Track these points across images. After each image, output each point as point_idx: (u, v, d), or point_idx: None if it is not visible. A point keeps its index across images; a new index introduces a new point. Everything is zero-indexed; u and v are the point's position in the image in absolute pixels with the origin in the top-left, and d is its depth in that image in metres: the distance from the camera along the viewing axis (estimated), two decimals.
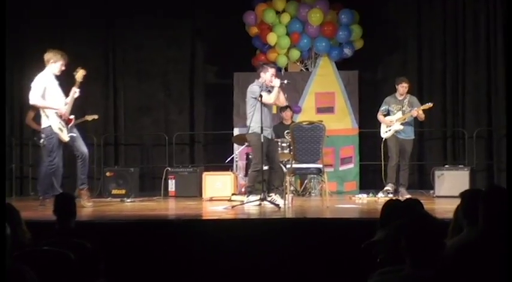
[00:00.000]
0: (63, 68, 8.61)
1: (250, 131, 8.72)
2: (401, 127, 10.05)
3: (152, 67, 12.59)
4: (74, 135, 8.59)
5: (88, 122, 10.68)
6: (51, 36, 12.24)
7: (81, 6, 12.30)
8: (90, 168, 11.93)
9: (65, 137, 8.52)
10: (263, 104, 8.61)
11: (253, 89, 8.79)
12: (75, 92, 8.57)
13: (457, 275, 3.21)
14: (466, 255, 3.55)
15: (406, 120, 10.03)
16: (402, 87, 10.10)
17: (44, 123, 8.54)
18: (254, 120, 8.58)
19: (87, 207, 8.42)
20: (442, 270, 3.04)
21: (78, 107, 11.91)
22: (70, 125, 8.58)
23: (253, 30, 11.50)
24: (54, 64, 8.52)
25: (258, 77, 8.92)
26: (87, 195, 8.60)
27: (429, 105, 10.01)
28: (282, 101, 9.08)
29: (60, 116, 8.51)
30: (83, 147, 8.67)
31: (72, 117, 8.65)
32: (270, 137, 8.81)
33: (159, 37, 12.51)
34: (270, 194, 8.63)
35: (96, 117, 10.77)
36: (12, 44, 12.17)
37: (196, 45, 12.63)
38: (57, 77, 8.68)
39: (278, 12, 11.29)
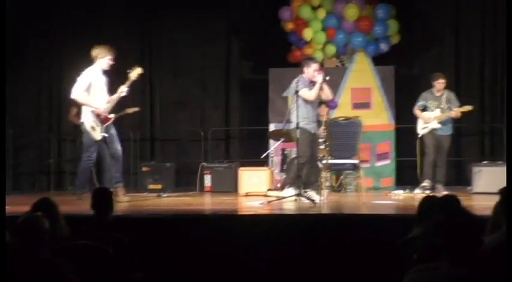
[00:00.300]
0: (111, 62, 8.63)
1: (294, 126, 8.69)
2: (439, 126, 9.95)
3: (188, 62, 12.63)
4: (106, 135, 8.55)
5: (129, 114, 10.75)
6: (87, 32, 12.35)
7: (118, 2, 12.39)
8: (127, 164, 12.09)
9: (97, 136, 8.53)
10: (306, 100, 8.59)
11: (292, 85, 8.78)
12: (122, 91, 8.58)
13: (495, 272, 3.17)
14: (504, 252, 3.51)
15: (444, 119, 9.93)
16: (439, 84, 10.00)
17: (82, 118, 8.62)
18: (299, 115, 8.57)
19: (123, 201, 8.47)
20: (480, 267, 3.01)
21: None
22: (107, 124, 8.58)
23: (289, 26, 11.48)
24: (102, 59, 8.55)
25: (302, 72, 8.90)
26: (122, 191, 8.64)
27: (469, 108, 9.86)
28: (328, 94, 8.99)
29: (97, 115, 8.53)
30: (116, 145, 8.65)
31: (111, 116, 8.65)
32: (313, 132, 8.78)
33: (195, 32, 12.54)
34: (306, 190, 8.62)
35: (137, 109, 10.84)
36: (49, 41, 12.35)
37: (231, 40, 12.65)
38: (106, 73, 8.69)
39: (314, 8, 11.25)
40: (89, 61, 8.76)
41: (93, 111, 8.53)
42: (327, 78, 8.80)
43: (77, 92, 8.50)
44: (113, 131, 8.71)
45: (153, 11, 12.54)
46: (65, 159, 12.31)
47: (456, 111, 9.84)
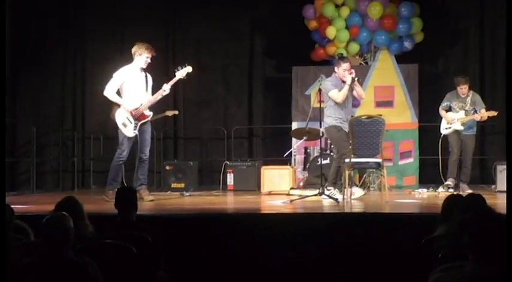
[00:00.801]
0: (149, 60, 8.62)
1: (326, 125, 8.73)
2: (462, 128, 9.89)
3: (211, 61, 12.66)
4: (137, 133, 8.51)
5: (168, 117, 10.84)
6: (111, 29, 12.45)
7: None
8: (150, 162, 12.14)
9: (129, 133, 8.50)
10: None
11: (326, 84, 8.80)
12: (164, 90, 8.58)
13: None
14: None
15: (466, 121, 9.86)
16: (461, 89, 9.92)
17: (115, 115, 8.62)
18: (331, 114, 8.56)
19: (148, 201, 8.49)
20: (505, 266, 2.99)
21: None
22: (142, 122, 8.54)
23: (312, 24, 11.46)
24: (139, 57, 8.53)
25: (334, 70, 8.91)
26: (146, 193, 8.65)
27: (493, 113, 9.77)
28: (360, 94, 8.99)
29: (130, 113, 8.51)
30: (145, 149, 8.63)
31: (148, 113, 8.62)
32: (346, 131, 8.77)
33: (219, 30, 12.57)
34: (329, 188, 8.63)
35: (176, 112, 10.90)
36: (73, 38, 12.44)
37: (255, 38, 12.66)
38: (150, 70, 8.72)
39: (337, 6, 11.22)
40: (114, 58, 8.81)
41: (124, 108, 8.53)
42: (356, 78, 8.77)
43: (107, 89, 8.52)
44: (148, 131, 8.70)
45: (176, 8, 12.59)
46: (89, 158, 12.39)
47: (481, 115, 9.76)
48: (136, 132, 8.51)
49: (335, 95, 8.70)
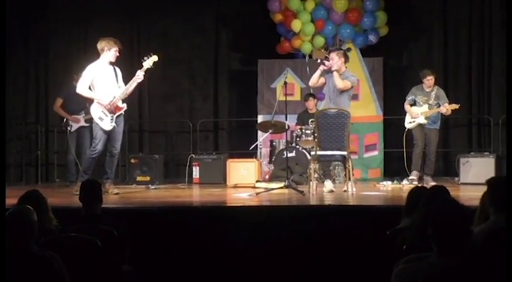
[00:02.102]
0: (118, 54, 8.63)
1: None
2: (426, 121, 9.99)
3: (177, 54, 12.60)
4: (116, 126, 8.54)
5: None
6: (75, 22, 12.31)
7: None
8: None
9: (106, 126, 8.50)
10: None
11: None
12: (138, 76, 8.58)
13: (484, 262, 3.19)
14: (493, 243, 3.53)
15: (431, 115, 9.95)
16: (428, 81, 10.01)
17: (90, 110, 8.63)
18: None
19: (113, 194, 8.47)
20: (468, 257, 3.03)
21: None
22: (117, 114, 8.56)
23: (278, 17, 11.46)
24: (108, 51, 8.52)
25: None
26: (112, 186, 8.64)
27: (455, 106, 9.89)
28: (336, 83, 8.76)
29: (105, 107, 8.49)
30: (116, 144, 8.68)
31: (122, 105, 8.62)
32: None
33: (184, 24, 12.52)
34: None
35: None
36: (37, 32, 12.28)
37: (220, 32, 12.62)
38: (114, 64, 8.68)
39: None
40: (78, 52, 8.76)
41: (98, 102, 8.53)
42: (318, 60, 8.80)
43: (80, 87, 8.55)
44: (121, 124, 8.72)
45: (141, 2, 12.49)
46: (53, 151, 12.26)
47: (445, 108, 9.87)
48: (114, 124, 8.52)
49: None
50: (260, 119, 11.24)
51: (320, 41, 11.34)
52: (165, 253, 6.29)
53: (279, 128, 9.76)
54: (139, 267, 5.07)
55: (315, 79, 8.82)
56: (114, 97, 8.53)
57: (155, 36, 12.62)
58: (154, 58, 8.69)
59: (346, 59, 8.88)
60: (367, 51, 11.47)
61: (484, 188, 4.20)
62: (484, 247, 3.51)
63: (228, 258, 6.27)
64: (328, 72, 8.75)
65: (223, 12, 12.57)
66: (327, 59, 8.85)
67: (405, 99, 10.19)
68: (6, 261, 3.20)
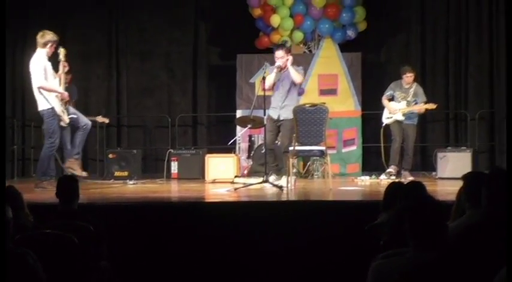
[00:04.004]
0: (54, 50, 8.53)
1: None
2: (403, 118, 10.03)
3: (155, 48, 12.56)
4: (74, 116, 8.59)
5: (97, 122, 10.80)
6: (52, 17, 12.20)
7: None
8: (93, 150, 12.01)
9: (67, 119, 8.52)
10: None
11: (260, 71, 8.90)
12: (64, 65, 8.54)
13: (460, 257, 3.20)
14: (469, 238, 3.55)
15: (407, 112, 10.00)
16: (407, 77, 10.05)
17: (43, 105, 8.42)
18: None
19: (82, 176, 8.44)
20: (445, 252, 3.04)
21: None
22: (67, 106, 8.62)
23: (257, 12, 11.45)
24: (51, 46, 8.41)
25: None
26: (80, 165, 8.61)
27: (432, 106, 9.94)
28: (295, 78, 8.80)
29: (62, 99, 8.49)
30: (84, 119, 8.74)
31: (66, 93, 8.60)
32: (275, 117, 8.80)
33: (163, 18, 12.48)
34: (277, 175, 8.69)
35: (107, 121, 10.84)
36: (14, 24, 12.16)
37: (199, 26, 12.59)
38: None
39: None
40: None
41: (57, 96, 8.46)
42: (276, 64, 8.78)
43: (40, 80, 8.36)
44: (74, 111, 8.77)
45: None
46: (30, 146, 12.17)
47: (420, 107, 9.93)
48: (72, 115, 8.59)
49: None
50: (239, 114, 11.22)
51: (299, 36, 11.35)
52: (142, 249, 6.26)
53: (257, 123, 9.72)
54: (116, 263, 5.04)
55: (273, 80, 8.76)
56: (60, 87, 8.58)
57: (133, 30, 12.57)
58: (64, 51, 8.58)
59: (275, 52, 8.94)
60: (345, 47, 11.49)
61: (461, 183, 4.23)
62: (460, 242, 3.53)
63: (205, 254, 6.25)
64: (281, 70, 8.77)
65: (202, 6, 12.54)
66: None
67: (383, 94, 10.23)
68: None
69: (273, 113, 8.81)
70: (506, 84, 10.45)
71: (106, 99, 12.53)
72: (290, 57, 8.81)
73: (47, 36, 8.41)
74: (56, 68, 8.59)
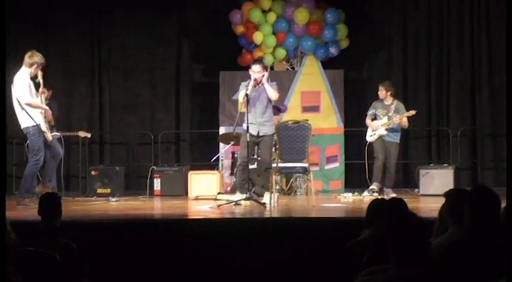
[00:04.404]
0: (37, 72, 8.63)
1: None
2: (385, 133, 10.10)
3: (138, 65, 12.55)
4: (58, 134, 8.82)
5: (80, 137, 10.79)
6: (35, 34, 12.18)
7: (67, 3, 12.23)
8: (75, 167, 11.94)
9: (50, 136, 8.61)
10: (248, 101, 8.64)
11: (241, 87, 8.85)
12: (43, 91, 8.70)
13: (443, 274, 3.22)
14: (451, 255, 3.56)
15: (390, 126, 10.07)
16: (380, 92, 10.18)
17: (28, 122, 8.46)
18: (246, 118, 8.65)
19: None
20: (427, 269, 3.05)
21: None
22: (52, 125, 8.77)
23: (239, 29, 11.49)
24: (36, 67, 8.51)
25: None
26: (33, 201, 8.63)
27: (412, 112, 10.03)
28: (270, 95, 8.80)
29: (45, 116, 8.56)
30: (58, 147, 8.84)
31: (50, 111, 8.74)
32: (254, 133, 8.77)
33: (145, 35, 12.49)
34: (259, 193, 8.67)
35: (89, 135, 10.82)
36: None
37: (182, 43, 12.60)
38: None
39: (264, 11, 11.29)
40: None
41: (41, 112, 8.53)
42: (252, 78, 8.79)
43: (27, 97, 8.42)
44: (54, 131, 8.91)
45: (102, 12, 12.42)
46: (11, 163, 12.09)
47: (400, 117, 10.00)
48: (56, 133, 8.85)
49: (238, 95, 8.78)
50: (222, 130, 11.23)
51: (281, 53, 11.39)
52: (124, 266, 6.23)
53: (240, 139, 9.75)
54: (98, 280, 5.01)
55: (244, 95, 8.64)
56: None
57: (116, 47, 12.56)
58: (40, 73, 8.67)
59: (252, 66, 8.95)
60: (328, 64, 11.55)
61: (443, 200, 4.25)
62: (443, 258, 3.54)
63: (188, 271, 6.23)
64: (256, 85, 8.78)
65: (185, 23, 12.55)
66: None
67: (366, 114, 10.31)
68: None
69: (252, 129, 8.76)
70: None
71: (88, 115, 12.48)
72: (266, 74, 8.80)
73: (35, 58, 8.51)
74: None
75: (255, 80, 8.69)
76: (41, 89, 8.62)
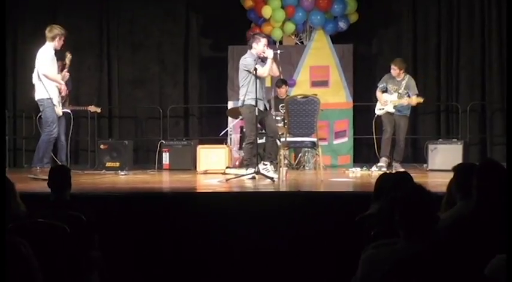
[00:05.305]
0: (63, 43, 8.85)
1: (243, 104, 8.64)
2: (394, 110, 10.08)
3: (146, 39, 12.54)
4: (69, 111, 9.13)
5: (89, 112, 10.83)
6: (42, 9, 12.17)
7: None
8: (84, 141, 11.99)
9: (60, 111, 8.81)
10: (256, 77, 8.55)
11: (247, 61, 8.69)
12: (65, 76, 9.10)
13: (451, 248, 3.23)
14: (459, 229, 3.57)
15: (398, 104, 10.04)
16: (392, 70, 10.11)
17: (43, 94, 8.67)
18: (247, 93, 8.53)
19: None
20: (435, 243, 3.06)
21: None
22: (64, 101, 9.03)
23: (248, 3, 11.43)
24: (59, 40, 8.73)
25: (250, 48, 8.86)
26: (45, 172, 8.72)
27: (420, 100, 9.99)
28: (276, 71, 8.90)
29: (60, 91, 8.78)
30: (61, 133, 9.14)
31: (65, 88, 9.04)
32: (262, 109, 8.75)
33: (154, 9, 12.44)
34: (265, 162, 8.61)
35: (99, 110, 10.85)
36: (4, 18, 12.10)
37: (190, 17, 12.56)
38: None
39: None
40: (44, 38, 8.77)
41: (57, 86, 8.76)
42: (278, 51, 8.80)
43: (45, 67, 8.66)
44: (65, 107, 9.31)
45: None
46: (21, 136, 12.14)
47: (408, 100, 9.98)
48: (66, 110, 9.15)
49: (261, 70, 8.65)
50: (230, 105, 11.22)
51: (290, 27, 11.34)
52: (133, 239, 6.27)
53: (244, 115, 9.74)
54: (107, 252, 5.05)
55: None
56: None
57: (124, 21, 12.54)
58: (70, 56, 9.27)
59: (262, 39, 8.92)
60: (337, 38, 11.49)
61: (451, 175, 4.25)
62: (452, 232, 3.55)
63: (196, 245, 6.27)
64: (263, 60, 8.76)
65: None
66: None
67: (377, 86, 10.27)
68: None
69: (261, 104, 8.73)
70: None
71: (97, 90, 12.50)
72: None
73: (54, 30, 8.74)
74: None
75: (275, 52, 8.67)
76: (65, 71, 9.03)
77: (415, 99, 9.96)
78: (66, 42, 8.93)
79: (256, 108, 8.47)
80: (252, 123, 8.59)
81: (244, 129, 10.63)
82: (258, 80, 8.60)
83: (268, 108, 9.00)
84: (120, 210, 6.43)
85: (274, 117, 9.60)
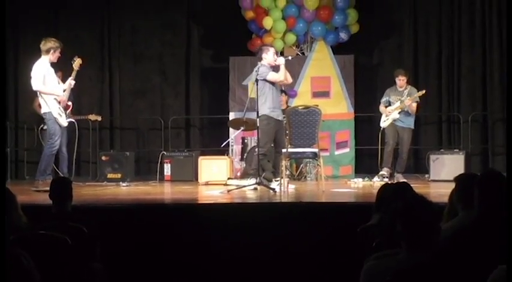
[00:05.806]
0: (60, 55, 8.84)
1: (260, 114, 8.56)
2: (398, 116, 10.10)
3: (148, 50, 12.56)
4: (73, 121, 9.10)
5: (90, 121, 10.83)
6: (45, 20, 12.20)
7: None
8: (86, 152, 11.99)
9: (64, 122, 8.82)
10: (273, 84, 8.58)
11: (262, 70, 8.64)
12: (70, 83, 8.94)
13: (452, 258, 3.22)
14: (461, 239, 3.56)
15: (403, 109, 10.08)
16: (399, 81, 10.20)
17: (44, 108, 8.78)
18: (265, 103, 8.55)
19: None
20: (437, 254, 3.05)
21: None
22: (68, 111, 8.93)
23: (249, 14, 11.46)
24: (53, 53, 8.73)
25: (260, 59, 8.88)
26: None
27: (421, 92, 10.04)
28: (289, 78, 8.98)
29: (59, 102, 8.78)
30: (63, 144, 9.05)
31: (69, 103, 8.99)
32: (280, 119, 8.78)
33: (155, 20, 12.47)
34: (277, 179, 8.56)
35: (99, 118, 10.85)
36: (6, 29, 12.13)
37: (192, 28, 12.58)
38: (53, 64, 8.90)
39: None
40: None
41: (55, 99, 8.78)
42: (289, 57, 8.86)
43: (37, 84, 8.70)
44: (73, 120, 9.27)
45: None
46: (23, 148, 12.15)
47: (411, 99, 10.02)
48: (71, 119, 9.00)
49: (276, 76, 8.65)
50: (232, 116, 11.23)
51: (291, 38, 11.36)
52: (135, 251, 6.26)
53: (250, 125, 9.74)
54: (109, 264, 5.04)
55: (254, 80, 8.60)
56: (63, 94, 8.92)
57: (125, 33, 12.56)
58: (79, 61, 9.10)
59: (271, 48, 9.09)
60: (338, 49, 11.51)
61: (453, 185, 4.24)
62: (453, 243, 3.54)
63: (198, 256, 6.26)
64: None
65: (194, 9, 12.53)
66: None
67: (380, 102, 10.33)
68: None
69: (277, 114, 8.74)
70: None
71: (99, 100, 12.51)
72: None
73: (48, 44, 8.76)
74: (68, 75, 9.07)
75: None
76: (70, 79, 8.93)
77: (417, 94, 10.00)
78: (63, 55, 8.92)
79: (274, 119, 8.55)
80: (268, 135, 8.59)
81: (246, 140, 10.66)
82: (273, 89, 8.62)
83: (282, 119, 8.96)
84: (122, 222, 6.42)
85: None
